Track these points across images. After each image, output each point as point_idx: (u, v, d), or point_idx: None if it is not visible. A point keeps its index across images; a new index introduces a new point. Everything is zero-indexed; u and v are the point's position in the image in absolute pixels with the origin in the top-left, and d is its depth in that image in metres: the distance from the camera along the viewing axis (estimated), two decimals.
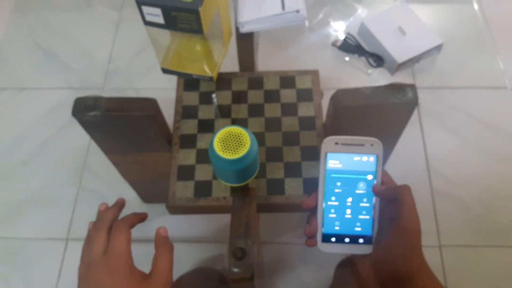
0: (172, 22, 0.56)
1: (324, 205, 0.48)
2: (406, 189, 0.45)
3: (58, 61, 1.15)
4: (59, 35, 1.19)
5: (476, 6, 1.19)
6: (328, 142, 0.48)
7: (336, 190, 0.48)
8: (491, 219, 0.91)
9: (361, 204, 0.48)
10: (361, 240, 0.48)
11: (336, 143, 0.48)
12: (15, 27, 1.22)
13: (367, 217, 0.48)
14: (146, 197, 0.92)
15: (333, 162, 0.48)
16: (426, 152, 0.99)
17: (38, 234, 0.93)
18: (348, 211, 0.48)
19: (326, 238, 0.48)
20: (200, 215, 0.66)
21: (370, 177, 0.48)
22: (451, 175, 0.96)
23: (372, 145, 0.47)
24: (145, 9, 0.55)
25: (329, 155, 0.48)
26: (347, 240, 0.48)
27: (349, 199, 0.48)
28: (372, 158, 0.48)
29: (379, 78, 1.07)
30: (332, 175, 0.48)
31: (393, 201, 0.45)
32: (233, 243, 0.55)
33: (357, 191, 0.48)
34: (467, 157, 0.98)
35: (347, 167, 0.48)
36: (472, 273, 0.86)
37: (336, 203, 0.48)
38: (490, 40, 1.14)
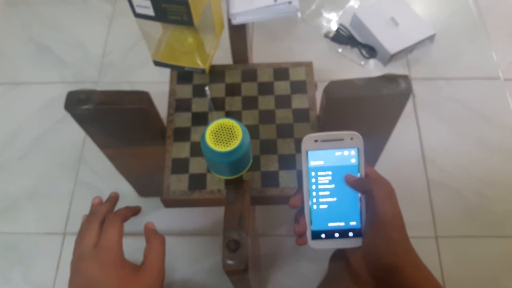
0: (162, 14, 0.56)
1: (310, 203, 0.48)
2: (376, 181, 0.45)
3: (52, 55, 1.14)
4: (52, 28, 1.18)
5: None
6: (307, 140, 0.47)
7: (320, 187, 0.48)
8: (486, 209, 0.92)
9: (347, 198, 0.48)
10: (350, 234, 0.47)
11: (316, 141, 0.47)
12: (7, 20, 1.21)
13: (354, 210, 0.48)
14: (142, 191, 0.92)
15: (315, 159, 0.48)
16: (422, 143, 0.99)
17: (35, 228, 0.93)
18: (335, 206, 0.48)
19: (315, 235, 0.48)
20: (195, 208, 0.66)
21: (353, 170, 0.48)
22: (447, 165, 0.96)
23: (352, 138, 0.47)
24: (135, 1, 0.55)
25: (310, 153, 0.47)
26: (336, 235, 0.48)
27: (334, 195, 0.48)
28: (353, 152, 0.47)
29: (372, 69, 1.07)
30: (315, 173, 0.48)
31: (367, 195, 0.45)
32: (227, 235, 0.55)
33: (342, 186, 0.48)
34: (462, 147, 0.99)
35: (329, 163, 0.48)
36: (469, 263, 0.87)
37: (322, 200, 0.48)
38: (484, 31, 1.14)
